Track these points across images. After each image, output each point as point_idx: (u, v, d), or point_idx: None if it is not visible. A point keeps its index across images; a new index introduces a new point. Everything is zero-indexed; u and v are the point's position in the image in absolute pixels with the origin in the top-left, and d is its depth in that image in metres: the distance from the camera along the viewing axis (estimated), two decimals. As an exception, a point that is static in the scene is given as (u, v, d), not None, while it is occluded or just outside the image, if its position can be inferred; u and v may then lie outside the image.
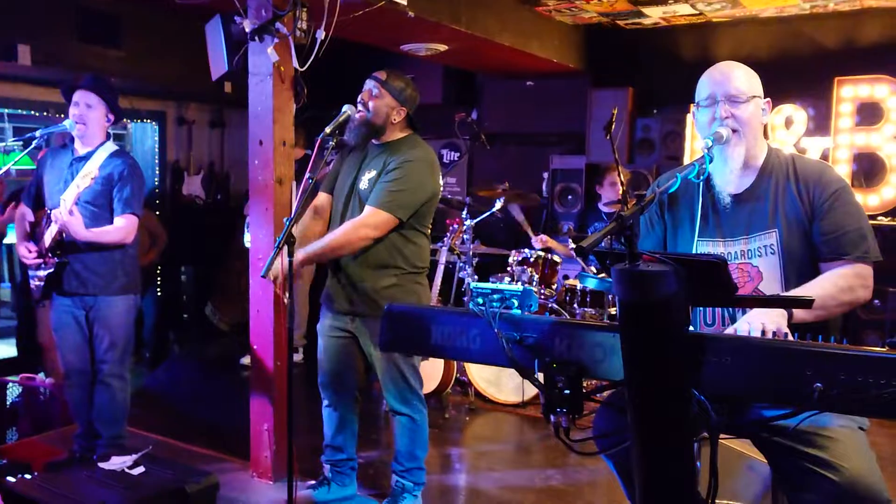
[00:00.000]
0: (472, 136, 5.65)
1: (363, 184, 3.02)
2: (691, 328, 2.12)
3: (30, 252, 3.37)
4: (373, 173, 3.01)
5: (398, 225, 2.97)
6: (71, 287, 3.38)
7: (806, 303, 1.55)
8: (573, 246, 5.27)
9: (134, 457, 2.95)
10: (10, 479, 2.85)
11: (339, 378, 3.19)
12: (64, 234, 3.28)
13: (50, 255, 3.35)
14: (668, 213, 2.19)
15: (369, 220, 2.93)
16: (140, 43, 5.44)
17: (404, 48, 5.13)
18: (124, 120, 6.65)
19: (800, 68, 5.30)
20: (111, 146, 3.46)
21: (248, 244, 3.53)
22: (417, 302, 3.05)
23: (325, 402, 3.25)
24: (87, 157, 3.38)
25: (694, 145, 5.46)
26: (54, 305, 3.47)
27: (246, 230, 3.56)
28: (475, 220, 5.12)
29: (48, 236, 3.33)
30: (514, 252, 5.07)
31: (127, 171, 3.38)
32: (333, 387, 3.21)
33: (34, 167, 5.17)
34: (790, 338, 1.67)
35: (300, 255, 2.86)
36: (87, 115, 3.36)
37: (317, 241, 2.99)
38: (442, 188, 3.18)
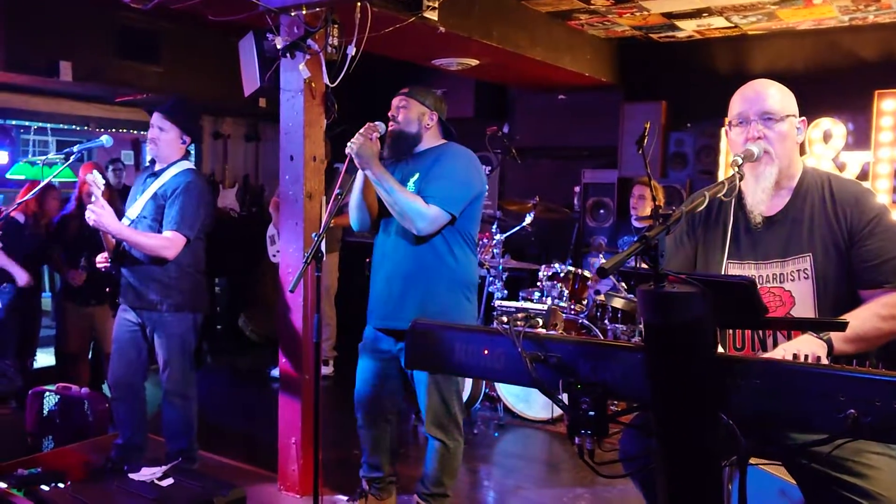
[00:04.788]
0: (503, 150, 5.64)
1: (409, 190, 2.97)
2: (721, 350, 2.10)
3: (104, 258, 3.49)
4: (416, 176, 2.96)
5: (447, 230, 2.92)
6: (128, 300, 3.46)
7: (839, 325, 1.50)
8: (603, 261, 5.23)
9: (164, 468, 2.99)
10: (44, 487, 2.91)
11: (373, 401, 3.13)
12: (123, 243, 3.39)
13: (112, 260, 3.48)
14: (698, 231, 2.12)
15: (424, 212, 2.83)
16: (177, 59, 5.57)
17: (435, 63, 5.15)
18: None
19: (838, 82, 5.18)
20: (183, 164, 3.50)
21: (273, 258, 3.56)
22: (463, 321, 2.93)
23: (359, 423, 3.19)
24: (159, 174, 3.48)
25: (728, 160, 5.37)
26: (118, 316, 3.55)
27: (269, 244, 3.59)
28: (505, 235, 5.11)
29: (108, 243, 3.50)
30: (544, 267, 5.03)
31: (181, 189, 3.37)
32: (366, 408, 3.15)
33: (75, 179, 5.29)
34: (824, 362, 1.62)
35: None
36: (158, 137, 3.47)
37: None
38: (486, 189, 3.09)
